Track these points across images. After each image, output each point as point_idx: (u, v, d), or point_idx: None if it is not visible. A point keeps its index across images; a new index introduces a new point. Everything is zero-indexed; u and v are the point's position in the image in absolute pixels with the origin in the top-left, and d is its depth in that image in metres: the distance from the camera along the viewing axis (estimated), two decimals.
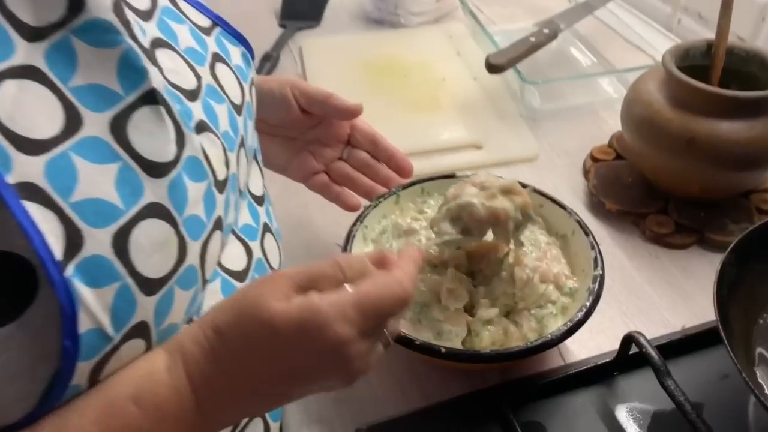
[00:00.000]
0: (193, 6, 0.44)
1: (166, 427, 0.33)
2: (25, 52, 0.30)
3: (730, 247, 0.47)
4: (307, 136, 0.60)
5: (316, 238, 0.66)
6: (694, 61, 0.64)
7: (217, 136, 0.39)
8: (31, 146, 0.29)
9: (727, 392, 0.50)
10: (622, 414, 0.49)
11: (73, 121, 0.31)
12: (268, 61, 0.92)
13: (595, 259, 0.51)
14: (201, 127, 0.38)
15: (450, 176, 0.60)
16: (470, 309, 0.49)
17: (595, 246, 0.52)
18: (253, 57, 0.50)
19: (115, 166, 0.32)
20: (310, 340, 0.34)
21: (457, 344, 0.47)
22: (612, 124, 0.78)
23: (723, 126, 0.57)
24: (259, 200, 0.50)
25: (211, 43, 0.44)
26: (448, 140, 0.77)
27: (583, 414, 0.49)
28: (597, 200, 0.66)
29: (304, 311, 0.34)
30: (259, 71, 0.90)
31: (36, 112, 0.30)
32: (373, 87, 0.87)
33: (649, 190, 0.66)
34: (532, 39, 0.81)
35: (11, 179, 0.28)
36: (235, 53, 0.46)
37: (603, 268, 0.50)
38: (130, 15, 0.34)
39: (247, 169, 0.46)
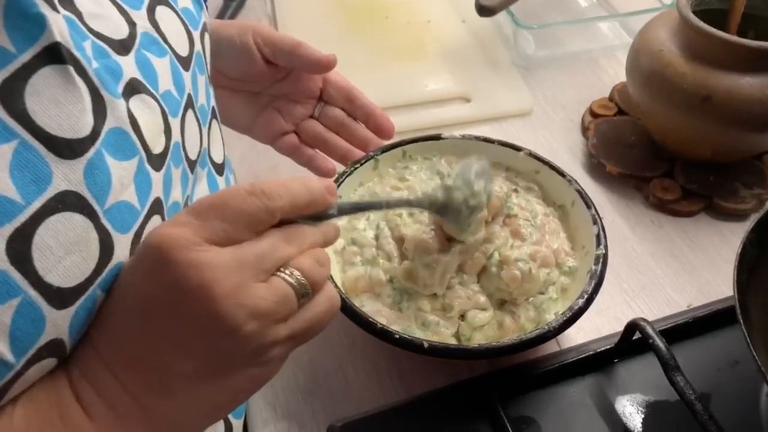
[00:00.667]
0: None
1: None
2: None
3: (752, 225, 0.41)
4: (273, 90, 0.53)
5: None
6: (711, 5, 0.56)
7: (154, 98, 0.32)
8: None
9: (737, 380, 0.46)
10: (623, 406, 0.44)
11: None
12: (233, 1, 0.83)
13: (598, 235, 0.45)
14: (132, 89, 0.31)
15: (435, 137, 0.53)
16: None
17: (598, 220, 0.46)
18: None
19: (9, 148, 0.25)
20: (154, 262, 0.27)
21: (445, 338, 0.42)
22: (613, 73, 0.71)
23: (744, 81, 0.50)
24: (220, 169, 0.43)
25: None
26: (433, 92, 0.70)
27: (580, 406, 0.44)
28: (597, 161, 0.60)
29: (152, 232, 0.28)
30: (221, 14, 0.81)
31: None
32: (349, 30, 0.79)
33: (654, 150, 0.60)
34: None
35: None
36: None
37: (606, 247, 0.44)
38: None
39: (200, 133, 0.39)
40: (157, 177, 0.32)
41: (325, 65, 0.51)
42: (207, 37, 0.42)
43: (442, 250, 0.43)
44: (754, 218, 0.42)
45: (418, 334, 0.42)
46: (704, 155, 0.56)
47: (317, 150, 0.54)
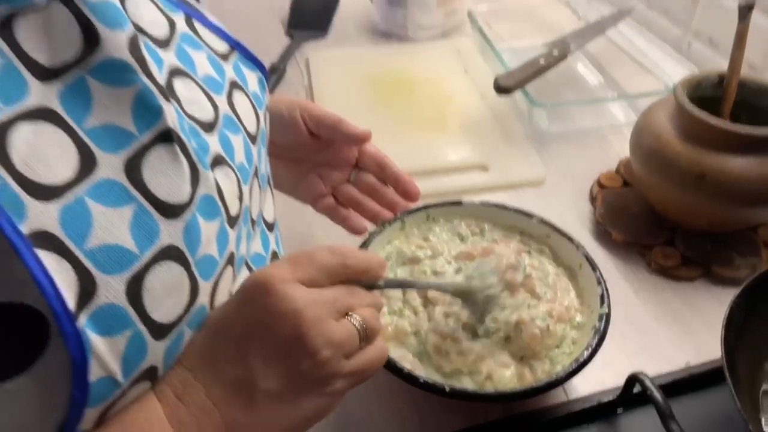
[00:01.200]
0: (211, 30, 0.43)
1: None
2: (39, 93, 0.30)
3: (739, 290, 0.46)
4: (316, 158, 0.60)
5: None
6: (706, 92, 0.63)
7: (232, 169, 0.39)
8: (45, 192, 0.28)
9: None
10: None
11: (87, 164, 0.30)
12: (275, 74, 0.91)
13: (602, 295, 0.50)
14: (217, 162, 0.37)
15: (456, 203, 0.59)
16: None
17: (602, 282, 0.51)
18: (268, 80, 0.49)
19: (129, 209, 0.31)
20: (253, 297, 0.35)
21: (466, 384, 0.47)
22: (619, 149, 0.77)
23: (734, 162, 0.56)
24: (270, 227, 0.50)
25: (229, 70, 0.43)
26: (453, 160, 0.77)
27: None
28: (603, 229, 0.65)
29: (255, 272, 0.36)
30: None
31: (50, 155, 0.29)
32: (378, 102, 0.87)
33: (656, 220, 0.65)
34: (542, 61, 0.80)
35: (25, 228, 0.27)
36: (251, 79, 0.46)
37: (609, 306, 0.49)
38: (146, 51, 0.34)
39: (260, 197, 0.45)
40: (232, 234, 0.38)
41: (361, 139, 0.58)
42: (267, 115, 0.49)
43: (471, 337, 0.49)
44: (739, 276, 0.47)
45: (439, 379, 0.47)
46: (701, 226, 0.62)
47: (351, 210, 0.60)
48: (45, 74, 0.30)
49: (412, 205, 0.59)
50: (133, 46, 0.33)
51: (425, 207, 0.59)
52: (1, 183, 0.27)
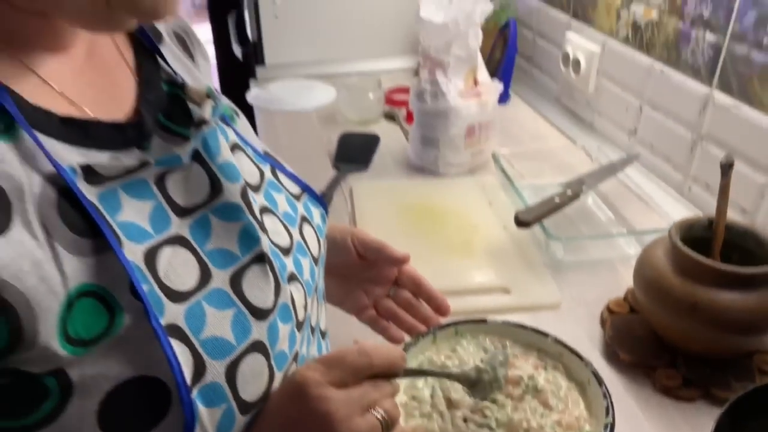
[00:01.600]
0: (288, 177, 0.56)
1: None
2: (176, 225, 0.42)
3: (723, 409, 0.54)
4: (362, 276, 0.70)
5: None
6: (698, 233, 0.73)
7: (301, 284, 0.50)
8: (176, 296, 0.39)
9: None
10: None
11: (205, 277, 0.42)
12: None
13: (607, 407, 0.57)
14: (291, 278, 0.48)
15: (482, 321, 0.69)
16: None
17: (608, 396, 0.59)
18: (328, 215, 0.61)
19: (231, 312, 0.42)
20: (292, 398, 0.42)
21: None
22: (627, 279, 0.86)
23: (722, 295, 0.65)
24: (323, 335, 0.59)
25: (300, 208, 0.55)
26: (479, 283, 0.87)
27: None
28: (612, 350, 0.73)
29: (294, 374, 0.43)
30: None
31: (181, 270, 0.40)
32: (413, 228, 0.99)
33: (660, 344, 0.73)
34: (557, 199, 0.92)
35: (163, 321, 0.38)
36: (316, 214, 0.58)
37: (613, 417, 0.57)
38: (251, 196, 0.46)
39: (317, 309, 0.56)
40: (298, 337, 0.48)
41: (401, 261, 0.69)
42: (325, 242, 0.60)
43: None
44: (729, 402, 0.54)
45: None
46: (699, 351, 0.70)
47: (390, 322, 0.69)
48: (181, 212, 0.43)
49: (443, 321, 0.69)
50: (243, 194, 0.45)
51: (454, 323, 0.68)
52: (149, 288, 0.38)
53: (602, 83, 1.25)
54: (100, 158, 0.40)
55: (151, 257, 0.39)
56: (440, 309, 0.69)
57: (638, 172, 1.12)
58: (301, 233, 0.53)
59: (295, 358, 0.48)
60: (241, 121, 0.58)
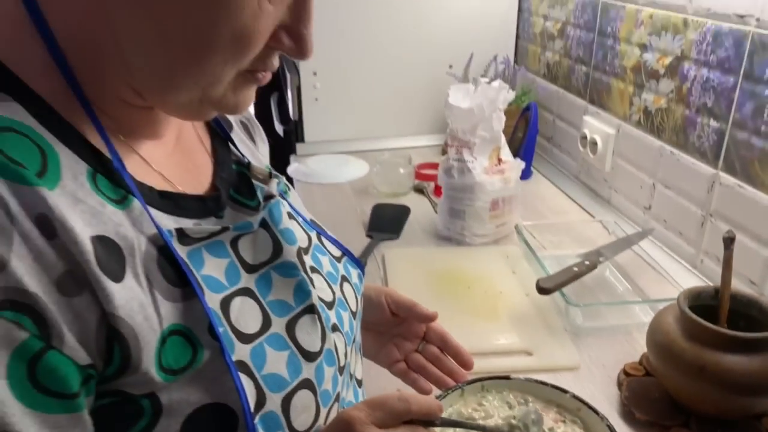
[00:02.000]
0: (331, 242, 0.65)
1: None
2: (245, 279, 0.51)
3: None
4: (393, 331, 0.78)
5: None
6: (705, 301, 0.80)
7: (342, 334, 0.58)
8: (244, 338, 0.48)
9: None
10: None
11: (266, 323, 0.50)
12: None
13: None
14: (334, 328, 0.56)
15: (506, 377, 0.75)
16: None
17: None
18: (364, 276, 0.70)
19: (286, 353, 0.50)
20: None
21: None
22: (642, 344, 0.92)
23: (727, 358, 0.71)
24: (359, 383, 0.67)
25: (341, 268, 0.64)
26: (503, 345, 0.93)
27: None
28: (628, 410, 0.79)
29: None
30: None
31: (248, 316, 0.49)
32: (441, 293, 1.06)
33: (673, 405, 0.78)
34: (575, 269, 0.99)
35: (234, 357, 0.46)
36: (354, 274, 0.67)
37: None
38: (304, 257, 0.55)
39: (355, 359, 0.63)
40: (340, 380, 0.55)
41: (430, 318, 0.76)
42: (362, 299, 0.68)
43: None
44: None
45: None
46: (710, 411, 0.75)
47: (419, 375, 0.76)
48: (250, 269, 0.52)
49: (469, 376, 0.75)
50: (298, 255, 0.54)
51: (480, 379, 0.75)
52: (224, 330, 0.46)
53: (618, 163, 1.34)
54: (187, 224, 0.50)
55: (225, 305, 0.48)
56: (465, 364, 0.76)
57: (653, 245, 1.19)
58: (341, 290, 0.62)
59: (337, 398, 0.55)
60: (293, 194, 0.68)
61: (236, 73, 0.46)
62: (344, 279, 0.64)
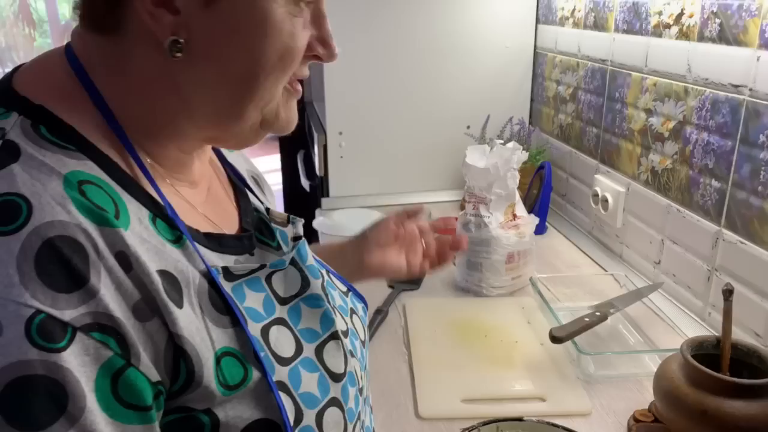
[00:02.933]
0: (337, 278, 0.73)
1: None
2: (278, 310, 0.58)
3: None
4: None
5: None
6: (708, 350, 0.85)
7: (357, 359, 0.65)
8: (282, 361, 0.55)
9: None
10: None
11: (299, 348, 0.57)
12: (380, 314, 1.20)
13: None
14: (351, 354, 0.63)
15: (519, 419, 0.80)
16: None
17: None
18: (367, 309, 0.77)
19: (317, 375, 0.57)
20: None
21: None
22: (651, 392, 0.97)
23: (727, 403, 0.76)
24: (371, 408, 0.73)
25: (349, 302, 0.71)
26: (518, 391, 0.98)
27: None
28: None
29: None
30: (372, 321, 1.18)
31: (283, 342, 0.56)
32: (459, 342, 1.12)
33: None
34: (587, 319, 1.05)
35: (274, 378, 0.53)
36: (359, 307, 0.74)
37: None
38: (327, 290, 0.63)
39: (367, 384, 0.70)
40: (360, 400, 0.62)
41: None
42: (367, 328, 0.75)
43: None
44: None
45: None
46: None
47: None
48: (282, 301, 0.59)
49: (486, 419, 0.81)
50: (323, 288, 0.62)
51: (495, 420, 0.80)
52: (265, 354, 0.53)
53: (628, 219, 1.41)
54: (229, 260, 0.57)
55: (265, 332, 0.55)
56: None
57: (663, 298, 1.24)
58: (352, 322, 0.69)
59: (359, 417, 0.61)
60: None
61: (283, 88, 0.55)
62: (352, 311, 0.71)
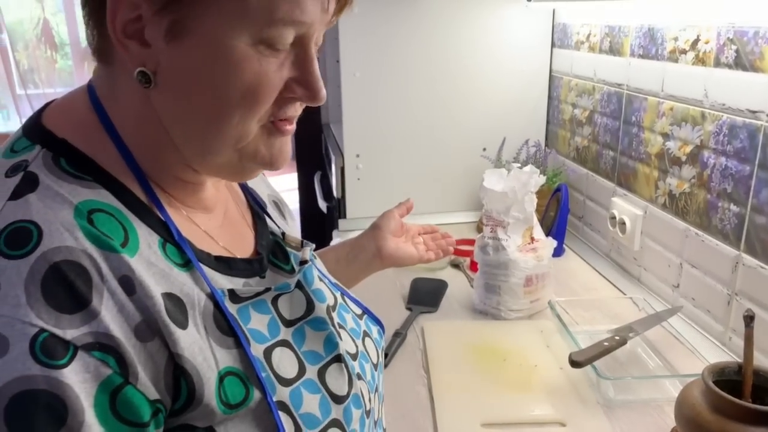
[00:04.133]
0: (352, 301, 0.74)
1: None
2: (283, 332, 0.60)
3: None
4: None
5: None
6: (730, 376, 0.85)
7: (365, 382, 0.66)
8: (284, 382, 0.56)
9: None
10: None
11: (301, 370, 0.59)
12: (398, 337, 1.21)
13: None
14: (359, 377, 0.64)
15: None
16: None
17: None
18: (384, 332, 0.78)
19: (318, 396, 0.58)
20: None
21: None
22: (673, 418, 0.96)
23: (751, 430, 0.75)
24: (384, 430, 0.73)
25: (362, 325, 0.72)
26: (538, 416, 0.98)
27: None
28: None
29: None
30: (390, 344, 1.18)
31: (286, 363, 0.58)
32: (478, 365, 1.12)
33: None
34: (606, 344, 1.05)
35: (275, 398, 0.54)
36: (374, 330, 0.75)
37: None
38: (332, 313, 0.64)
39: (378, 407, 0.70)
40: (367, 422, 0.63)
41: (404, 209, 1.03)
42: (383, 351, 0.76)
43: None
44: None
45: None
46: None
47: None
48: (287, 323, 0.61)
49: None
50: (327, 311, 0.64)
51: None
52: (267, 375, 0.55)
53: (646, 242, 1.41)
54: (237, 283, 0.59)
55: (268, 354, 0.57)
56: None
57: (682, 322, 1.24)
58: (363, 344, 0.70)
59: None
60: (319, 261, 0.77)
61: (259, 126, 0.55)
62: (366, 334, 0.72)
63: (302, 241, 0.71)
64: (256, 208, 0.72)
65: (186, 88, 0.52)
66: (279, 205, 0.81)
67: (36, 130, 0.54)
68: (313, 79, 0.55)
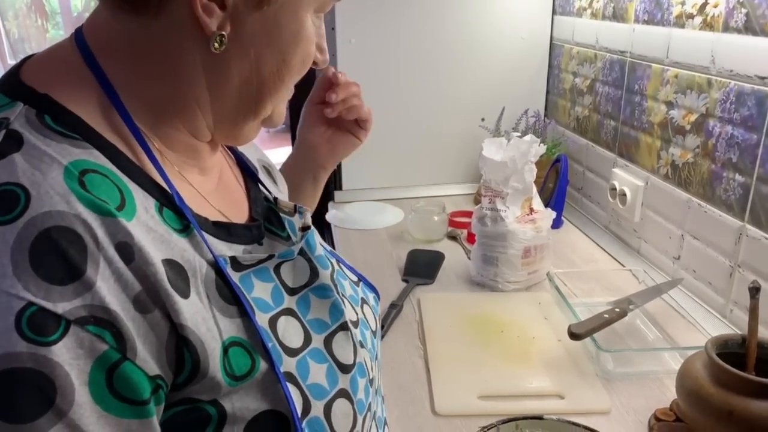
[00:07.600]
0: (347, 268, 0.72)
1: None
2: (287, 301, 0.57)
3: None
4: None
5: None
6: (733, 349, 0.83)
7: (366, 350, 0.63)
8: (290, 352, 0.54)
9: None
10: None
11: (307, 339, 0.56)
12: (394, 309, 1.19)
13: None
14: (361, 345, 0.62)
15: (539, 417, 0.79)
16: None
17: None
18: (379, 299, 0.76)
19: (325, 366, 0.56)
20: None
21: None
22: (673, 390, 0.94)
23: (755, 403, 0.74)
24: (383, 399, 0.72)
25: (359, 292, 0.70)
26: (536, 388, 0.97)
27: None
28: None
29: None
30: (386, 316, 1.16)
31: (292, 333, 0.55)
32: (476, 338, 1.10)
33: None
34: (606, 316, 1.03)
35: (282, 369, 0.52)
36: (370, 297, 0.73)
37: None
38: (337, 280, 0.61)
39: (378, 373, 0.68)
40: (371, 390, 0.61)
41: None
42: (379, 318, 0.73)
43: None
44: None
45: None
46: None
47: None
48: (291, 291, 0.58)
49: (506, 417, 0.79)
50: (332, 278, 0.61)
51: (515, 419, 0.79)
52: (273, 345, 0.52)
53: (647, 213, 1.38)
54: (238, 250, 0.56)
55: (273, 323, 0.54)
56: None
57: (683, 294, 1.22)
58: (362, 311, 0.67)
59: (369, 408, 0.60)
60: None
61: None
62: (363, 301, 0.70)
63: (295, 206, 0.67)
64: (250, 174, 0.70)
65: (256, 53, 0.53)
66: (270, 170, 0.78)
67: (14, 85, 0.50)
68: (324, 42, 0.60)
